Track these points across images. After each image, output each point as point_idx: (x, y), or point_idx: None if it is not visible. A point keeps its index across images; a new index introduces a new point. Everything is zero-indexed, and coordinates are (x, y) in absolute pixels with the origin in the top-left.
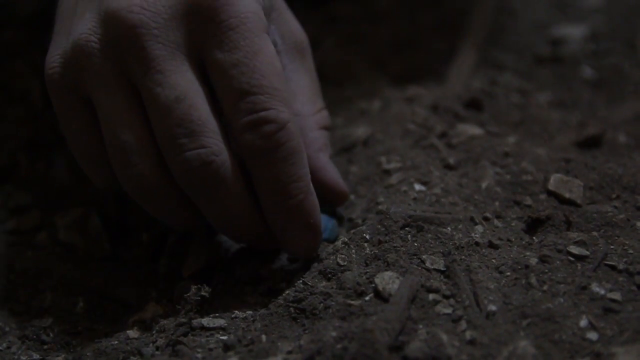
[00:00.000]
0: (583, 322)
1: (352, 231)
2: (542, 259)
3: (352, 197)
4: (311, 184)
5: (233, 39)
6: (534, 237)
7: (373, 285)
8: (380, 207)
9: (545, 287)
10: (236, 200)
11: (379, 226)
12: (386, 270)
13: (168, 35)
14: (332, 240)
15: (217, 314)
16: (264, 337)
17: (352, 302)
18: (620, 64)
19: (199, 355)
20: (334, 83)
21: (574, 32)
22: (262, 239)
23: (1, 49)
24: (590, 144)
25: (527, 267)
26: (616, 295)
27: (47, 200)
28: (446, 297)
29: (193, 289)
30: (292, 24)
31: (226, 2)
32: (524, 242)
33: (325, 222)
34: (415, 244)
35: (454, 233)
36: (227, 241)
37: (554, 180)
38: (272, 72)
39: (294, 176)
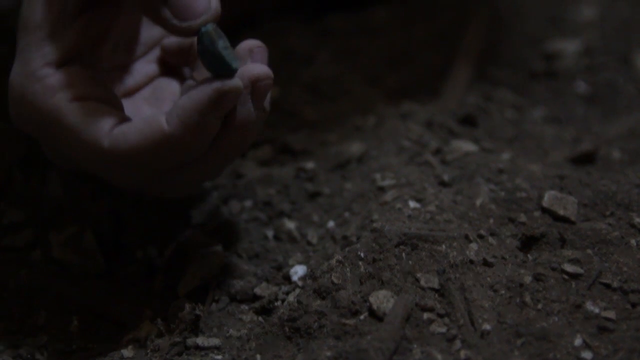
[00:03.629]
0: (577, 341)
1: (347, 249)
2: (537, 277)
3: (346, 214)
4: None
5: None
6: (529, 255)
7: (367, 304)
8: (374, 224)
9: (539, 306)
10: None
11: (374, 244)
12: (381, 289)
13: None
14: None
15: (211, 333)
16: (258, 356)
17: (347, 321)
18: (614, 79)
19: None
20: (328, 98)
21: (568, 46)
22: None
23: None
24: (585, 160)
25: (521, 285)
26: (611, 314)
27: (42, 217)
28: (440, 316)
29: (188, 308)
30: None
31: None
32: (518, 260)
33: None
34: (410, 262)
35: (449, 251)
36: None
37: (549, 197)
38: None
39: None
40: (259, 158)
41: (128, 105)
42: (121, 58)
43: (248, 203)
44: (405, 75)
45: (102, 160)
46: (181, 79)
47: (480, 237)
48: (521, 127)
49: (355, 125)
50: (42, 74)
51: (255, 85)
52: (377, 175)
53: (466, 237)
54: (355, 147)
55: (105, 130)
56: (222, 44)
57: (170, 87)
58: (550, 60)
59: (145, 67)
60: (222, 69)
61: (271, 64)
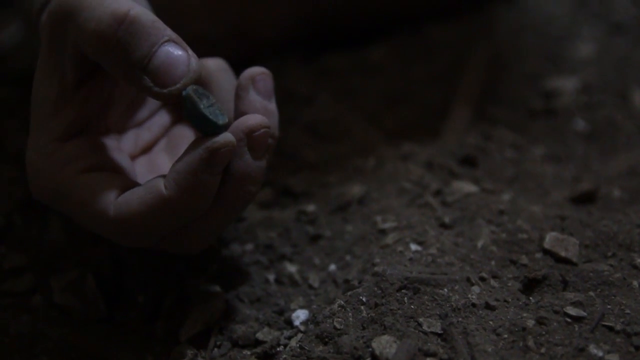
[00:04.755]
0: None
1: (349, 293)
2: (539, 321)
3: (347, 257)
4: None
5: None
6: (531, 298)
7: (370, 349)
8: (376, 268)
9: (542, 350)
10: None
11: (376, 288)
12: (383, 334)
13: None
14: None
15: None
16: None
17: None
18: (613, 116)
19: None
20: (328, 139)
21: (566, 84)
22: None
23: None
24: (585, 199)
25: (524, 329)
26: (614, 357)
27: (42, 262)
28: None
29: (189, 354)
30: None
31: None
32: (520, 303)
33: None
34: (412, 307)
35: (451, 294)
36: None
37: (550, 239)
38: None
39: None
40: (260, 200)
41: (145, 162)
42: (137, 117)
43: (249, 246)
44: (404, 114)
45: (109, 227)
46: None
47: (482, 279)
48: (521, 167)
49: (355, 167)
50: (50, 149)
51: (250, 137)
52: (378, 218)
53: (468, 279)
54: (356, 189)
55: (111, 200)
56: (205, 102)
57: (184, 132)
58: (548, 98)
59: (160, 119)
60: (209, 128)
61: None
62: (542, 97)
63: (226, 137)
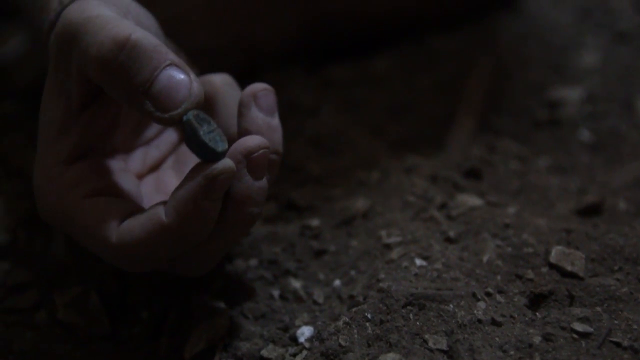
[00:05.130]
0: None
1: (354, 310)
2: (546, 337)
3: (352, 272)
4: None
5: None
6: (537, 313)
7: None
8: (381, 284)
9: None
10: None
11: (381, 305)
12: (389, 351)
13: None
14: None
15: None
16: None
17: None
18: (618, 126)
19: None
20: (332, 152)
21: (570, 94)
22: None
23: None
24: (591, 211)
25: (530, 345)
26: None
27: (46, 278)
28: None
29: None
30: None
31: None
32: (527, 319)
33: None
34: (418, 323)
35: (456, 310)
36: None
37: (556, 253)
38: None
39: None
40: (264, 215)
41: (152, 181)
42: (145, 136)
43: (253, 262)
44: (408, 125)
45: (112, 254)
46: None
47: (488, 294)
48: (526, 179)
49: (359, 180)
50: (54, 173)
51: (249, 159)
52: (383, 232)
53: (474, 295)
54: (360, 203)
55: (114, 227)
56: (205, 128)
57: None
58: (553, 108)
59: (169, 136)
60: (208, 155)
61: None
62: (546, 107)
63: (225, 164)
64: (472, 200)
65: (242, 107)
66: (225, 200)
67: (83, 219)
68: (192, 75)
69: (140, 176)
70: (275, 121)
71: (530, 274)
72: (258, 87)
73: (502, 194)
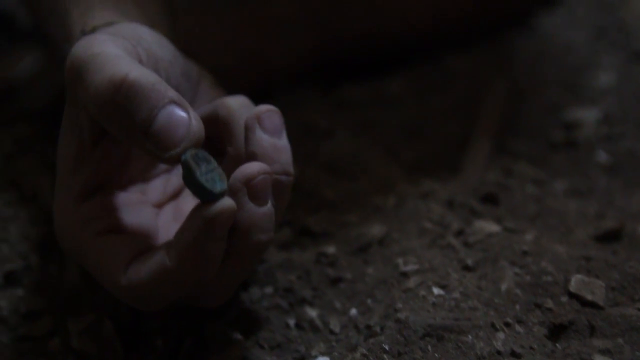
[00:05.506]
0: None
1: (371, 341)
2: None
3: (369, 301)
4: None
5: None
6: (557, 344)
7: None
8: (398, 314)
9: None
10: None
11: (398, 336)
12: None
13: None
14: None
15: None
16: None
17: None
18: (635, 148)
19: None
20: (348, 176)
21: (586, 115)
22: None
23: (12, 145)
24: (610, 237)
25: None
26: None
27: (60, 305)
28: None
29: None
30: None
31: None
32: (547, 350)
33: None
34: (436, 355)
35: (475, 342)
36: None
37: (575, 282)
38: None
39: None
40: (279, 241)
41: (172, 210)
42: (161, 167)
43: (269, 289)
44: (423, 148)
45: (122, 294)
46: (221, 153)
47: (507, 325)
48: (543, 203)
49: (375, 206)
50: (69, 210)
51: (249, 186)
52: (400, 260)
53: (492, 325)
54: (376, 230)
55: (122, 267)
56: (204, 168)
57: None
58: (569, 129)
59: None
60: (206, 196)
61: (289, 139)
62: (562, 129)
63: (223, 204)
64: (489, 226)
65: (247, 131)
66: (230, 230)
67: (94, 258)
68: (192, 113)
69: (161, 205)
70: (282, 142)
71: (549, 304)
72: (262, 109)
73: (520, 219)
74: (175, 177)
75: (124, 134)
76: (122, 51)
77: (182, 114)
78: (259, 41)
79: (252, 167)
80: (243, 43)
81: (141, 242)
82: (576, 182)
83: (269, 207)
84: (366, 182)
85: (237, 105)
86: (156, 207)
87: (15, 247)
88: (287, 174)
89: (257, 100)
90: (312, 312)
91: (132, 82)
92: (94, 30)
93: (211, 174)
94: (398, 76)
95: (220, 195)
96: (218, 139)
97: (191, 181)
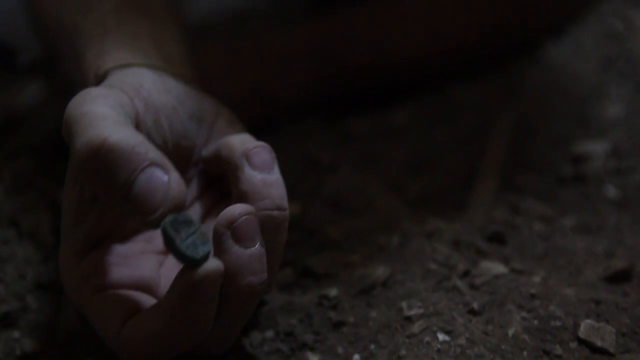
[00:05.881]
0: None
1: None
2: None
3: (372, 346)
4: None
5: None
6: None
7: None
8: None
9: None
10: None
11: None
12: None
13: None
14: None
15: None
16: None
17: None
18: None
19: None
20: (351, 213)
21: (595, 148)
22: None
23: (12, 179)
24: (620, 278)
25: None
26: None
27: (56, 347)
28: None
29: None
30: None
31: None
32: None
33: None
34: None
35: None
36: None
37: (585, 328)
38: None
39: None
40: (280, 282)
41: None
42: None
43: (269, 333)
44: (428, 183)
45: (119, 350)
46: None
47: None
48: (551, 241)
49: (379, 245)
50: (71, 264)
51: (232, 228)
52: (404, 303)
53: None
54: (380, 271)
55: (117, 327)
56: (184, 233)
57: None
58: (577, 163)
59: (206, 200)
60: (188, 262)
61: (292, 174)
62: (570, 163)
63: (207, 268)
64: (496, 267)
65: (236, 171)
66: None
67: (92, 314)
68: (173, 176)
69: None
70: (273, 177)
71: (558, 350)
72: (249, 145)
73: (527, 259)
74: None
75: (105, 196)
76: (110, 109)
77: (163, 177)
78: (262, 74)
79: (234, 209)
80: (246, 76)
81: (137, 300)
82: (585, 218)
83: (257, 248)
84: (370, 219)
85: (239, 144)
86: (162, 254)
87: (11, 287)
88: (280, 208)
89: (259, 133)
90: (314, 358)
91: (110, 147)
92: (105, 75)
93: (192, 238)
94: (403, 108)
95: (204, 259)
96: (223, 179)
97: (171, 248)
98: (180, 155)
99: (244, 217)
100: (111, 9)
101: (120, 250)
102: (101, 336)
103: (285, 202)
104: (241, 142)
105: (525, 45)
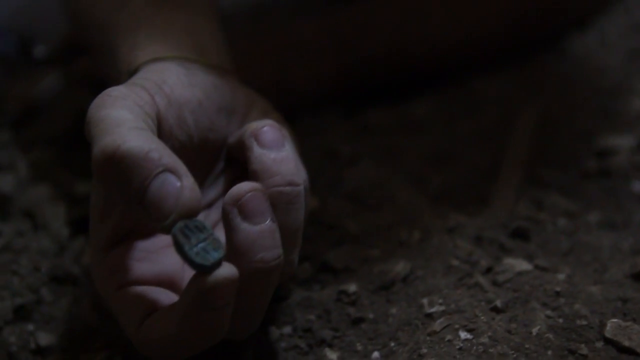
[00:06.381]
0: None
1: None
2: None
3: (392, 344)
4: None
5: None
6: None
7: None
8: None
9: None
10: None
11: None
12: None
13: None
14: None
15: None
16: None
17: None
18: None
19: None
20: (371, 207)
21: (620, 142)
22: None
23: (27, 171)
24: None
25: None
26: None
27: (71, 341)
28: None
29: None
30: None
31: None
32: None
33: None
34: None
35: None
36: None
37: (611, 327)
38: None
39: None
40: (298, 277)
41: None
42: (206, 198)
43: (287, 329)
44: (450, 177)
45: (139, 346)
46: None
47: None
48: (575, 237)
49: (399, 240)
50: (97, 260)
51: (238, 205)
52: (425, 300)
53: None
54: (400, 267)
55: (137, 324)
56: (194, 240)
57: None
58: (602, 157)
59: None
60: (198, 269)
61: (311, 167)
62: (595, 157)
63: (217, 276)
64: (519, 264)
65: (247, 151)
66: (232, 255)
67: (115, 309)
68: (185, 181)
69: None
70: (283, 153)
71: (584, 349)
72: (258, 124)
73: (551, 255)
74: (214, 212)
75: (123, 201)
76: (127, 113)
77: (175, 183)
78: (281, 65)
79: (240, 187)
80: (266, 67)
81: (156, 298)
82: (610, 214)
83: (267, 224)
84: (390, 213)
85: (251, 126)
86: None
87: (26, 279)
88: (291, 184)
89: None
90: (332, 355)
91: (123, 154)
92: (136, 70)
93: (203, 244)
94: (424, 100)
95: (216, 265)
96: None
97: (181, 254)
98: (208, 148)
99: (250, 194)
100: (145, 2)
101: (143, 245)
102: (125, 331)
103: (297, 178)
104: (254, 124)
105: (549, 37)
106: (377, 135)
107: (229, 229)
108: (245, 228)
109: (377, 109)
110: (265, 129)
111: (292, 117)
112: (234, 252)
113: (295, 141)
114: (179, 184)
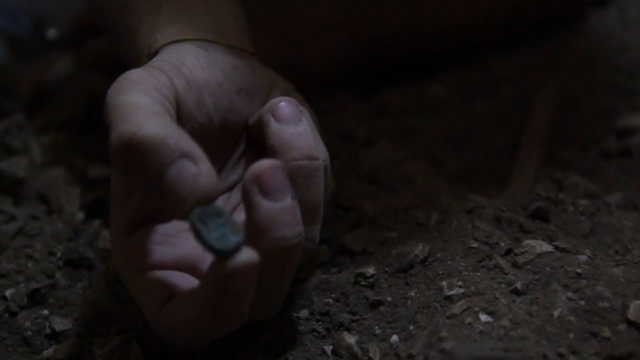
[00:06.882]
0: None
1: None
2: None
3: (411, 327)
4: None
5: None
6: None
7: None
8: (443, 344)
9: None
10: None
11: None
12: None
13: None
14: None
15: None
16: None
17: None
18: None
19: None
20: (388, 189)
21: None
22: None
23: (41, 154)
24: None
25: None
26: None
27: (86, 325)
28: None
29: None
30: None
31: None
32: None
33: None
34: None
35: None
36: None
37: (634, 309)
38: None
39: None
40: (315, 260)
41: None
42: (228, 180)
43: (304, 313)
44: (468, 158)
45: (159, 331)
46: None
47: (561, 356)
48: (596, 219)
49: (417, 222)
50: (118, 244)
51: (258, 182)
52: (444, 283)
53: (544, 357)
54: (419, 249)
55: (157, 308)
56: (212, 225)
57: None
58: (622, 137)
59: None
60: (217, 254)
61: (327, 148)
62: (615, 137)
63: (237, 261)
64: (540, 245)
65: (264, 127)
66: (253, 233)
67: (136, 294)
68: (203, 167)
69: None
70: (300, 128)
71: (606, 332)
72: (275, 101)
73: (572, 237)
74: (235, 195)
75: (142, 186)
76: (144, 97)
77: (192, 169)
78: (295, 45)
79: (259, 164)
80: (280, 48)
81: (176, 282)
82: (631, 194)
83: (287, 200)
84: (408, 195)
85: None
86: None
87: (40, 264)
88: (310, 157)
89: None
90: (350, 338)
91: (140, 140)
92: (156, 53)
93: (222, 230)
94: (440, 80)
95: (235, 250)
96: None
97: (199, 240)
98: (228, 130)
99: (270, 170)
100: None
101: (164, 229)
102: (145, 316)
103: (315, 152)
104: (271, 101)
105: (568, 15)
106: (393, 116)
107: (249, 206)
108: (266, 205)
109: (393, 90)
110: (282, 104)
111: (306, 98)
112: (255, 230)
113: (316, 122)
114: (195, 169)
